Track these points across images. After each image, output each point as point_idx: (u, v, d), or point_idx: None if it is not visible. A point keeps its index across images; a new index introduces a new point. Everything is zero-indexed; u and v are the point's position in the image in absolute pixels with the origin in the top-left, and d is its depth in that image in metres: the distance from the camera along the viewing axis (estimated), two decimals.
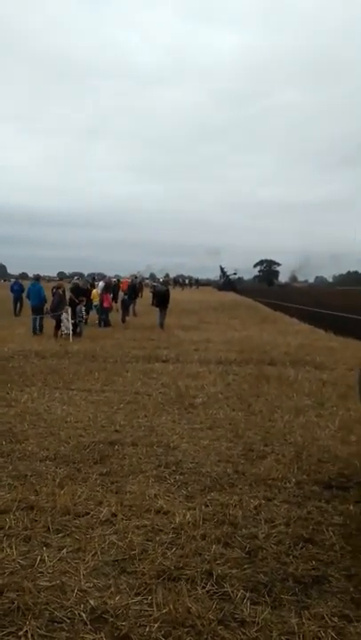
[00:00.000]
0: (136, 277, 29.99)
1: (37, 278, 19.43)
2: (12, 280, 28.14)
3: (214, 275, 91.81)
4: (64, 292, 16.57)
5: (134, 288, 24.33)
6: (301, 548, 3.74)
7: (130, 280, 26.74)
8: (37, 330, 16.20)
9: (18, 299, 22.97)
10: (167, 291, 19.83)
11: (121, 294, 23.42)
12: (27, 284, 22.38)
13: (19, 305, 22.98)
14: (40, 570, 3.40)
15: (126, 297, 21.85)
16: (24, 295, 19.77)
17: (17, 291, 23.24)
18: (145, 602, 3.10)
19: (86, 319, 17.91)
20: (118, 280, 28.16)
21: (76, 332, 15.69)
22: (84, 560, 3.52)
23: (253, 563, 3.55)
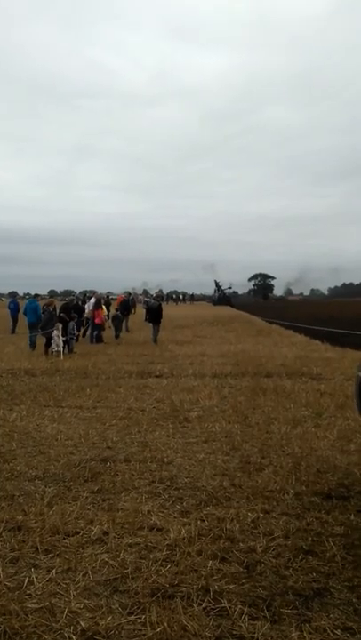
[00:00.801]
0: (130, 294, 29.96)
1: (35, 296, 20.14)
2: (10, 298, 28.48)
3: (210, 290, 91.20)
4: (54, 309, 16.47)
5: (127, 304, 24.27)
6: (301, 560, 3.60)
7: (124, 296, 26.68)
8: (34, 346, 16.50)
9: (14, 317, 23.15)
10: (160, 306, 19.76)
11: (112, 310, 23.43)
12: (22, 302, 22.82)
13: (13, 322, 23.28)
14: (28, 592, 3.23)
15: (118, 313, 21.80)
16: (21, 313, 20.14)
17: (13, 309, 23.55)
18: (138, 621, 2.94)
19: (77, 336, 17.80)
20: (108, 296, 28.10)
21: (68, 350, 15.55)
22: (75, 580, 3.36)
23: (252, 577, 3.41)
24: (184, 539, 3.88)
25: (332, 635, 2.81)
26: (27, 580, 3.35)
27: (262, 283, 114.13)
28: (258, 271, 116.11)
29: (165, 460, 5.76)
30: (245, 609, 3.06)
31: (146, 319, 21.02)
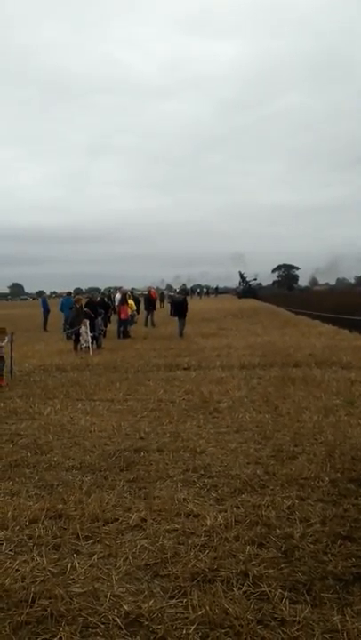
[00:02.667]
0: (153, 289, 30.05)
1: (69, 294, 22.19)
2: (41, 298, 29.91)
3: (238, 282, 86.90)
4: (81, 306, 16.69)
5: (151, 299, 24.45)
6: (340, 545, 3.60)
7: (148, 291, 26.80)
8: (71, 336, 17.48)
9: (45, 314, 24.16)
10: (184, 300, 19.82)
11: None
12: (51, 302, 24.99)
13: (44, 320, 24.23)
14: (72, 577, 3.32)
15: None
16: (57, 309, 21.54)
17: (43, 307, 24.43)
18: (180, 604, 3.00)
19: (105, 332, 18.03)
20: (132, 292, 28.29)
21: (96, 345, 15.77)
22: (116, 565, 3.44)
23: (290, 562, 3.43)
24: (221, 525, 3.92)
25: None
26: (69, 565, 3.44)
27: (287, 274, 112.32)
28: (281, 262, 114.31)
29: (198, 449, 5.80)
30: (286, 593, 3.08)
31: (171, 313, 21.10)
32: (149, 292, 26.09)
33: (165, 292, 49.24)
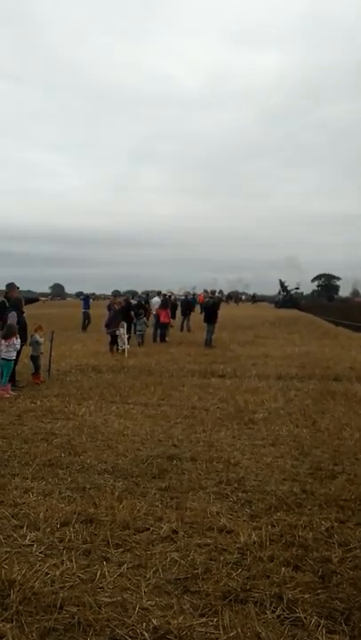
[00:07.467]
0: (190, 293, 30.04)
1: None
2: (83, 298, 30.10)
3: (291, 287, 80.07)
4: (120, 308, 16.79)
5: (189, 304, 24.35)
6: None
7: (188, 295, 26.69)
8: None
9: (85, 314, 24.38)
10: (214, 304, 18.94)
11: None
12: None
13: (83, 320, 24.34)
14: (100, 585, 3.26)
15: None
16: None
17: (85, 307, 24.90)
18: (210, 623, 2.88)
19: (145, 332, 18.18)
20: (170, 296, 28.25)
21: (137, 343, 15.97)
22: (145, 577, 3.35)
23: (328, 588, 3.25)
24: (255, 543, 3.78)
25: None
26: (99, 573, 3.38)
27: (327, 283, 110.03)
28: (322, 271, 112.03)
29: (232, 461, 5.67)
30: (322, 621, 2.92)
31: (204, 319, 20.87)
32: (186, 295, 26.00)
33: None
